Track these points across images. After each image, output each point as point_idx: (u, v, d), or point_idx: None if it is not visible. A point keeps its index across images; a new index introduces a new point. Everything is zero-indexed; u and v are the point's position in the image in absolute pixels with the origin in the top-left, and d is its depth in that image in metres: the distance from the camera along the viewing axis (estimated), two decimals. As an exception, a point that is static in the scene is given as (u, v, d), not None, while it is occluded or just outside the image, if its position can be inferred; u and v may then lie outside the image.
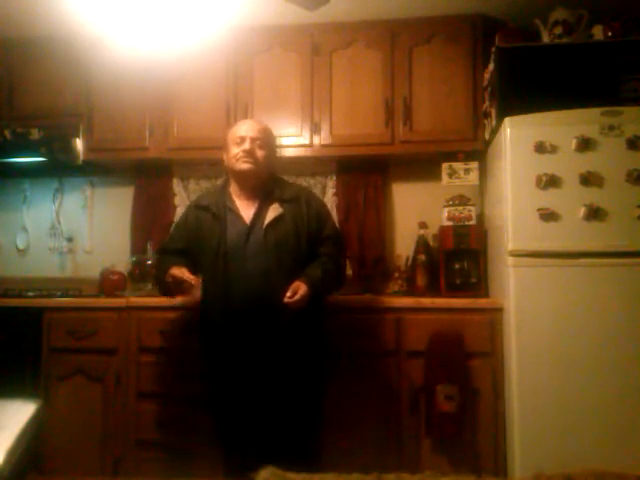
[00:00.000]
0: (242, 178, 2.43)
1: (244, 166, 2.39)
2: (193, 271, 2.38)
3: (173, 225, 2.72)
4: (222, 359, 2.39)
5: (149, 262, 3.39)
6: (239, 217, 2.39)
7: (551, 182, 2.55)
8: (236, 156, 2.40)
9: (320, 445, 2.47)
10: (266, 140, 2.46)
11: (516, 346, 2.55)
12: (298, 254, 2.35)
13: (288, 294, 2.23)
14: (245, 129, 2.45)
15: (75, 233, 3.72)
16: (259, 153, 2.41)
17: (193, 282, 2.30)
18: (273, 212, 2.37)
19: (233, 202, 2.43)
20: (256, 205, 2.40)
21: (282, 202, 2.40)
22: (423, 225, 3.27)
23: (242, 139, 2.41)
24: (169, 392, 2.89)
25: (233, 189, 2.47)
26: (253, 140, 2.41)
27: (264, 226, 2.34)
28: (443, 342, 2.75)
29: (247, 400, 2.35)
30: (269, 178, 2.48)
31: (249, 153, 2.38)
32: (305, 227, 2.39)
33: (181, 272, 2.32)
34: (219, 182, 2.52)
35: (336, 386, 2.73)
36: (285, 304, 2.23)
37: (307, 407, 2.38)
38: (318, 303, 2.40)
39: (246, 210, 2.40)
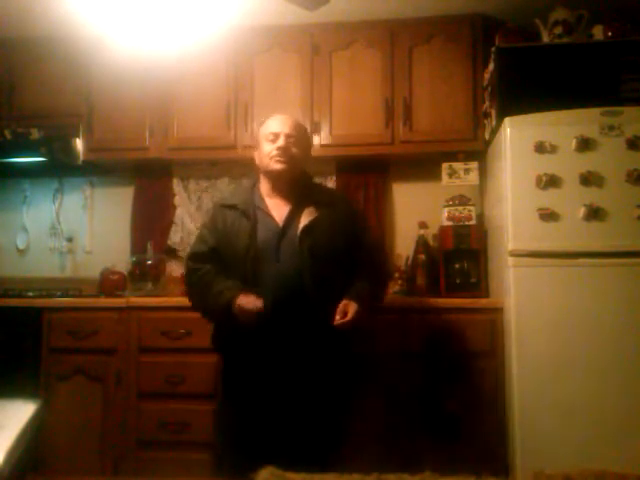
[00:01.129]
0: (276, 178, 2.24)
1: (278, 166, 2.20)
2: (225, 274, 2.19)
3: (200, 228, 2.47)
4: (246, 370, 2.17)
5: (149, 262, 3.39)
6: (270, 217, 2.20)
7: (551, 182, 2.55)
8: (269, 154, 2.21)
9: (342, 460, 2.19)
10: (301, 137, 2.27)
11: (516, 346, 2.55)
12: (333, 261, 2.15)
13: (338, 316, 2.04)
14: (279, 125, 2.25)
15: (75, 233, 3.72)
16: (294, 151, 2.22)
17: (261, 309, 2.05)
18: (308, 215, 2.18)
19: (263, 201, 2.25)
20: (289, 206, 2.21)
21: (318, 205, 2.21)
22: (423, 225, 3.27)
23: (276, 136, 2.22)
24: (169, 392, 2.89)
25: (264, 189, 2.28)
26: (288, 137, 2.22)
27: (299, 229, 2.15)
28: (443, 342, 2.75)
29: (271, 414, 2.13)
30: (303, 178, 2.31)
31: (284, 151, 2.20)
32: (342, 234, 2.19)
33: (250, 302, 2.06)
34: (246, 181, 2.36)
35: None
36: (335, 326, 2.03)
37: (333, 422, 2.18)
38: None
39: (277, 211, 2.21)
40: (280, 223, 2.18)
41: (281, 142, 2.20)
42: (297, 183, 2.26)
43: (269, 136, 2.23)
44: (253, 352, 2.12)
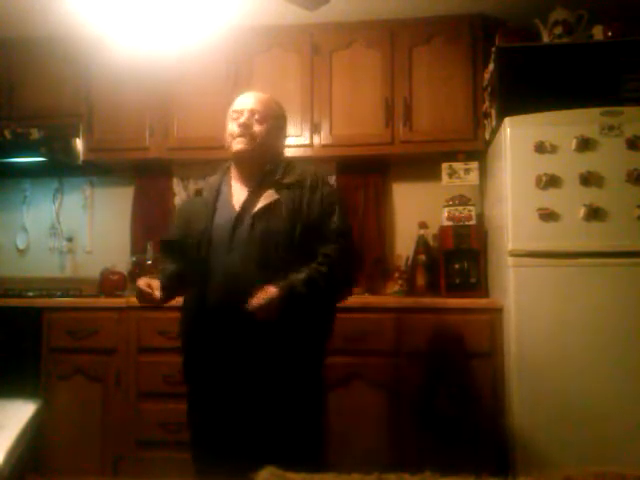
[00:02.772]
0: (238, 159, 2.08)
1: (238, 146, 2.03)
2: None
3: None
4: (197, 366, 2.05)
5: (149, 262, 3.39)
6: (229, 203, 2.04)
7: (551, 182, 2.55)
8: (232, 134, 2.05)
9: (325, 458, 2.14)
10: (268, 113, 2.07)
11: (516, 346, 2.55)
12: (290, 250, 1.94)
13: (254, 300, 1.83)
14: (242, 101, 2.08)
15: (75, 233, 3.72)
16: (257, 128, 2.03)
17: (155, 303, 1.98)
18: (266, 199, 1.99)
19: (229, 187, 2.08)
20: (249, 190, 2.04)
21: (280, 187, 2.01)
22: (423, 225, 3.27)
23: (239, 113, 2.05)
24: (169, 392, 2.88)
25: (233, 172, 2.12)
26: (252, 113, 2.04)
27: (251, 214, 1.98)
28: (443, 342, 2.75)
29: (228, 417, 1.97)
30: (272, 160, 2.07)
31: (245, 128, 2.02)
32: (303, 218, 1.97)
33: (148, 286, 1.97)
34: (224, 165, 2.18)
35: (335, 387, 2.73)
36: (247, 310, 1.83)
37: (304, 424, 1.99)
38: (318, 313, 2.02)
39: (238, 195, 2.05)
40: (237, 208, 2.01)
41: (242, 119, 2.03)
42: (263, 165, 2.05)
43: (232, 114, 2.08)
44: (200, 347, 2.01)
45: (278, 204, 1.98)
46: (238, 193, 2.05)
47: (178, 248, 2.11)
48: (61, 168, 3.51)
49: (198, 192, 2.19)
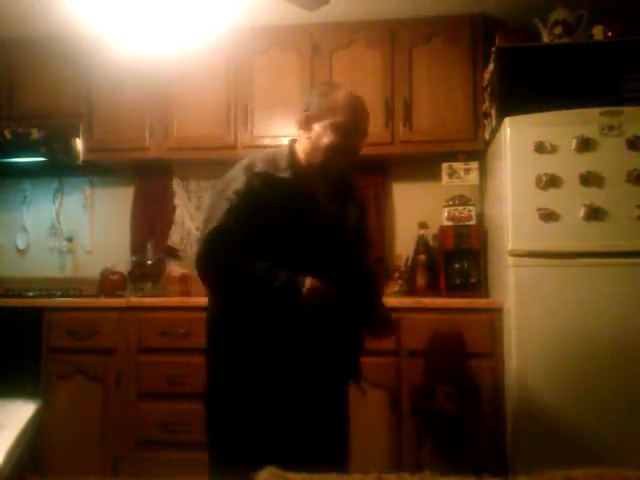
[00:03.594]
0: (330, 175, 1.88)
1: (343, 170, 1.89)
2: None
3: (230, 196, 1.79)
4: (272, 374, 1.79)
5: (149, 262, 3.39)
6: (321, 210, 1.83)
7: (551, 182, 2.55)
8: (339, 153, 1.81)
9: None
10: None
11: (516, 346, 2.55)
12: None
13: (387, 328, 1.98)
14: (362, 128, 1.87)
15: (75, 233, 3.72)
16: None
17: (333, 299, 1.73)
18: (351, 213, 1.93)
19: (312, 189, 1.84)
20: (335, 198, 1.89)
21: (354, 203, 1.97)
22: (423, 225, 3.27)
23: (355, 140, 1.84)
24: (169, 392, 2.89)
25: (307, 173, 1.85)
26: (363, 137, 1.88)
27: (347, 229, 1.89)
28: (443, 342, 2.75)
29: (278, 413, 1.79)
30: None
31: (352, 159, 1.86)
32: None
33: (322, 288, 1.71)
34: (280, 150, 1.87)
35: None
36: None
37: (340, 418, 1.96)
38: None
39: (326, 204, 1.87)
40: (333, 219, 1.86)
41: (356, 150, 1.91)
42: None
43: (347, 134, 1.83)
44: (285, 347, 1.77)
45: (358, 221, 1.96)
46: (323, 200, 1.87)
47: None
48: (61, 168, 3.51)
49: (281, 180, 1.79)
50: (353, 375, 1.96)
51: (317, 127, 1.81)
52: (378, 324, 1.96)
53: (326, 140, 1.78)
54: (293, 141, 1.90)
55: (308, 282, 1.69)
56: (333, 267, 1.79)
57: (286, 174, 1.78)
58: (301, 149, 1.86)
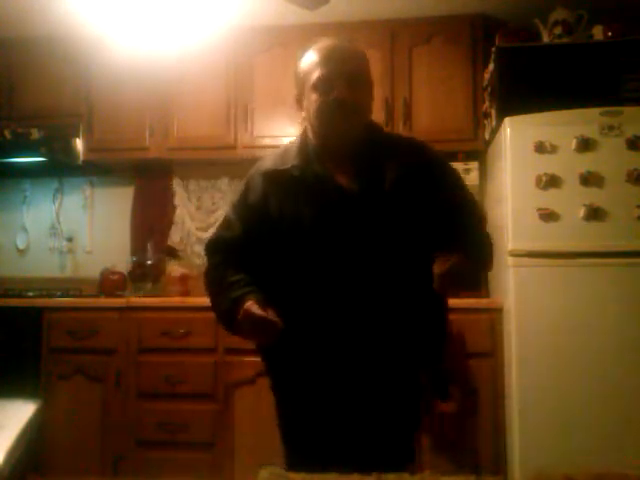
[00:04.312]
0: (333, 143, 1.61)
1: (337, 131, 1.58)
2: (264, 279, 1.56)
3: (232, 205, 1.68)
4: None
5: (149, 262, 3.39)
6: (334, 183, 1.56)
7: (551, 182, 2.55)
8: (324, 118, 1.56)
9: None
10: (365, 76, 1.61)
11: (516, 346, 2.55)
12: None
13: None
14: (334, 65, 1.54)
15: (75, 233, 3.72)
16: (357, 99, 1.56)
17: (278, 326, 1.42)
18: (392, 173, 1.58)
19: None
20: (364, 170, 1.58)
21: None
22: (423, 225, 3.26)
23: (327, 82, 1.54)
24: (169, 392, 2.89)
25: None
26: (349, 82, 1.54)
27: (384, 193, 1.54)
28: (443, 342, 2.75)
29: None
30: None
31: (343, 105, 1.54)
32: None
33: (262, 311, 1.42)
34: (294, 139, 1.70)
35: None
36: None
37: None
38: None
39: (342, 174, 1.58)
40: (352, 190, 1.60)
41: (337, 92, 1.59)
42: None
43: (316, 81, 1.58)
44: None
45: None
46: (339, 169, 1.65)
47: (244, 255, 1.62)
48: (61, 168, 3.51)
49: (284, 172, 1.60)
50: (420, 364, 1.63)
51: (305, 101, 1.61)
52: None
53: (313, 105, 1.56)
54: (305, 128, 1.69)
55: (245, 307, 1.44)
56: (360, 255, 1.50)
57: (295, 162, 1.58)
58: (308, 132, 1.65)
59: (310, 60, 1.59)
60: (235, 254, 1.60)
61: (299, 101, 1.64)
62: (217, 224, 1.70)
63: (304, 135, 1.66)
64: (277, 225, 1.55)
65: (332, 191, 1.55)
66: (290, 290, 1.55)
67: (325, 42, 1.61)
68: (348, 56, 1.60)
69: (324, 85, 1.54)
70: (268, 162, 1.64)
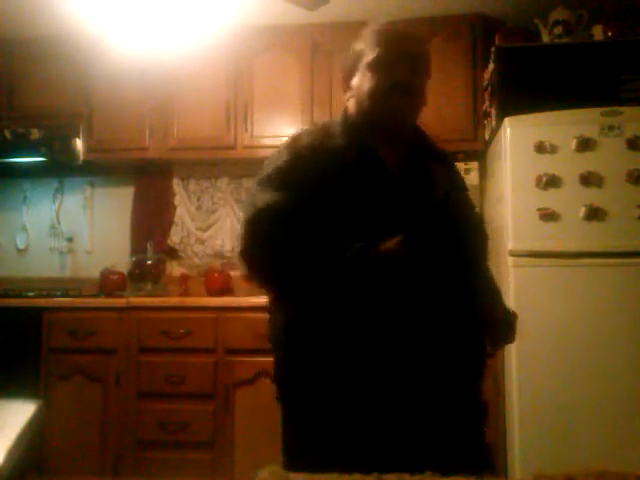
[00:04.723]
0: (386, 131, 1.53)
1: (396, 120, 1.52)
2: None
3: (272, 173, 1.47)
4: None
5: (149, 262, 3.39)
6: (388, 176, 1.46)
7: (551, 182, 2.55)
8: (378, 100, 1.48)
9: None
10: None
11: (516, 347, 2.54)
12: None
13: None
14: (395, 46, 1.54)
15: (75, 233, 3.72)
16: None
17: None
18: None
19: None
20: (412, 163, 1.52)
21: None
22: (423, 225, 3.26)
23: (387, 63, 1.49)
24: (169, 392, 2.89)
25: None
26: (410, 64, 1.52)
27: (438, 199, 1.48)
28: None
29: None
30: None
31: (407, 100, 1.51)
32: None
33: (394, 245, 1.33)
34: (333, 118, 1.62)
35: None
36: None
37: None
38: None
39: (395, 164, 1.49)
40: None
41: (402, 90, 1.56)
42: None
43: (382, 67, 1.53)
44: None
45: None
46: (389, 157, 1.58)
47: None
48: (61, 168, 3.51)
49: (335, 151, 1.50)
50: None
51: (355, 80, 1.53)
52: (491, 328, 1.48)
53: (366, 85, 1.48)
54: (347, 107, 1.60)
55: (380, 247, 1.33)
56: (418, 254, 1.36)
57: (341, 141, 1.48)
58: (354, 111, 1.55)
59: (368, 37, 1.57)
60: (291, 225, 1.41)
61: (346, 82, 1.57)
62: (259, 196, 1.46)
63: (348, 110, 1.56)
64: (325, 203, 1.41)
65: (382, 180, 1.45)
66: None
67: (386, 24, 1.61)
68: (410, 38, 1.59)
69: (385, 65, 1.49)
70: (306, 138, 1.51)
